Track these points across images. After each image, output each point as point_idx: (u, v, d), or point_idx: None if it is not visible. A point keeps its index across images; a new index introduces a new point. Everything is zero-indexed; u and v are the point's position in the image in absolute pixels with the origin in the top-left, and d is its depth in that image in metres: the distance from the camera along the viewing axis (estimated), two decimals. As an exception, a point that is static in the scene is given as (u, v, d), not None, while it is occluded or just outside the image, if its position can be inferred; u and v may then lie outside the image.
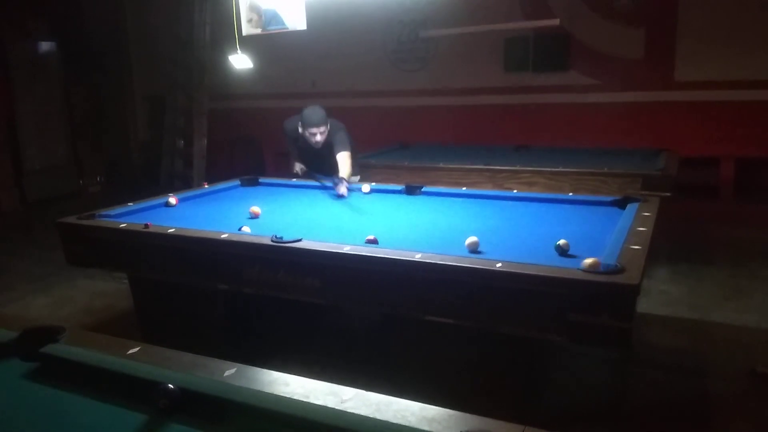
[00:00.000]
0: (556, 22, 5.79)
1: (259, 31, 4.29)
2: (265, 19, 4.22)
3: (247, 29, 4.29)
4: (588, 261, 2.01)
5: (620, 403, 2.88)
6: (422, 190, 3.65)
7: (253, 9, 4.23)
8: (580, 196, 3.37)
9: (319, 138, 3.96)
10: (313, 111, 4.01)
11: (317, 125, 3.94)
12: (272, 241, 2.42)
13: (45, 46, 8.08)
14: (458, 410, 1.13)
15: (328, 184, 3.81)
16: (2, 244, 6.11)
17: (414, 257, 2.17)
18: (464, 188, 3.80)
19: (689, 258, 4.79)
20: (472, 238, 2.35)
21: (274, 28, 4.31)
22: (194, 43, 6.57)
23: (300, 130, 4.04)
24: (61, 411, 1.25)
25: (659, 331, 3.58)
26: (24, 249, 5.78)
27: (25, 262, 5.32)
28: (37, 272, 4.96)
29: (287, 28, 4.22)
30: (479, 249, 2.32)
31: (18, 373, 1.38)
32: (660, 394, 2.91)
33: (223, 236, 2.55)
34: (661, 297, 4.03)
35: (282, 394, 1.21)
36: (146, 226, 2.75)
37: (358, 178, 4.28)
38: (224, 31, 4.58)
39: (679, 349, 3.37)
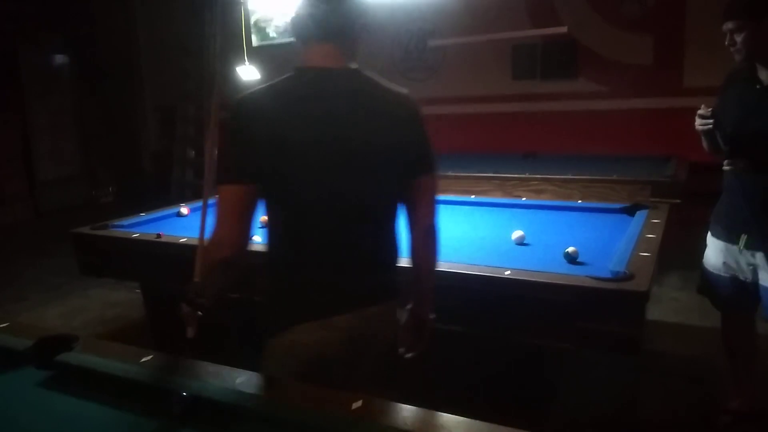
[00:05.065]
0: (563, 29, 5.80)
1: (270, 41, 4.34)
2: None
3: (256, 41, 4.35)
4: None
5: (631, 411, 2.87)
6: (431, 198, 3.65)
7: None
8: (589, 204, 3.37)
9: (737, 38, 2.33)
10: None
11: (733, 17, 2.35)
12: (282, 250, 2.43)
13: (58, 58, 8.20)
14: (467, 417, 1.14)
15: None
16: (16, 254, 6.17)
17: (423, 265, 2.17)
18: (473, 196, 3.81)
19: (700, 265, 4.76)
20: (517, 232, 2.66)
21: (282, 40, 4.36)
22: (204, 53, 6.64)
23: None
24: (76, 418, 1.27)
25: (670, 339, 3.56)
26: (37, 259, 5.84)
27: (38, 272, 5.37)
28: (51, 282, 5.01)
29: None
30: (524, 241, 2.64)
31: (33, 381, 1.40)
32: (671, 402, 2.90)
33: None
34: (672, 304, 4.01)
35: (293, 402, 1.22)
36: (158, 236, 2.78)
37: None
38: (234, 43, 4.63)
39: (690, 357, 3.35)
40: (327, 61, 1.52)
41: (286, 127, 1.43)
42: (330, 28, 1.51)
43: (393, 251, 1.65)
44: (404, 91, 1.62)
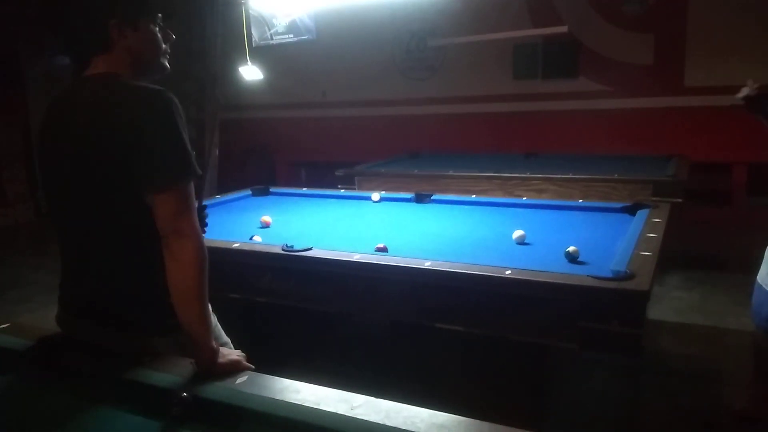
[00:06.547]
0: (564, 29, 5.80)
1: (270, 41, 4.34)
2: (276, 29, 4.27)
3: (256, 41, 4.35)
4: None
5: (632, 410, 2.87)
6: (432, 198, 3.66)
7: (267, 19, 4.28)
8: (590, 203, 3.37)
9: None
10: None
11: None
12: (283, 250, 2.44)
13: (60, 60, 8.19)
14: (468, 417, 1.14)
15: None
16: (18, 255, 6.18)
17: (424, 265, 2.18)
18: (474, 196, 3.81)
19: (701, 264, 4.76)
20: (518, 232, 2.63)
21: (284, 39, 4.36)
22: (205, 54, 6.64)
23: None
24: (76, 419, 1.27)
25: (672, 339, 3.56)
26: (39, 260, 5.84)
27: (40, 274, 5.37)
28: (53, 283, 4.97)
29: (297, 39, 4.27)
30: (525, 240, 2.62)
31: (34, 382, 1.41)
32: (673, 401, 2.89)
33: (234, 246, 2.57)
34: (674, 304, 4.01)
35: (293, 401, 1.22)
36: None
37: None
38: (235, 43, 4.64)
39: (692, 357, 3.35)
40: (90, 71, 1.54)
41: (40, 134, 1.56)
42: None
43: (130, 279, 1.50)
44: (154, 89, 1.45)
